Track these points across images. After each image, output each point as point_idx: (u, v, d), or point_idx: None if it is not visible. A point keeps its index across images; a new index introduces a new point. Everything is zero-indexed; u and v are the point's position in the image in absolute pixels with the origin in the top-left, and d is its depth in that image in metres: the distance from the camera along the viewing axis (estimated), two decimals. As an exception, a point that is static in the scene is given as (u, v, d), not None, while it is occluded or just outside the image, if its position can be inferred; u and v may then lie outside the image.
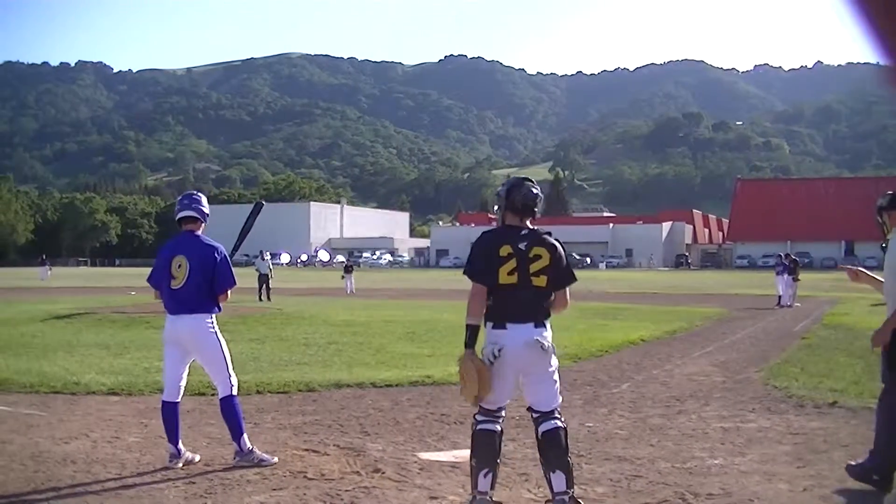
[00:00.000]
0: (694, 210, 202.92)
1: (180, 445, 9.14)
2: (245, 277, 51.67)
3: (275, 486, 8.20)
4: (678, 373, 16.17)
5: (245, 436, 9.06)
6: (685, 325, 26.86)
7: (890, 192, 7.39)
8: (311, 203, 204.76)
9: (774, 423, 11.21)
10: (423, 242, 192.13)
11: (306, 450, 9.72)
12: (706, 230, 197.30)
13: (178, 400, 9.37)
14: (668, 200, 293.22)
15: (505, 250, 7.02)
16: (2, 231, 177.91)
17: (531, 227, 7.31)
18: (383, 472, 8.67)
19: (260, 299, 39.59)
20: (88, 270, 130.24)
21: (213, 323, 9.29)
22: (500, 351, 6.91)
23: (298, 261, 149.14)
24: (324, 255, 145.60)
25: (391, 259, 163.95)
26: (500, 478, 8.20)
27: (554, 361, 7.20)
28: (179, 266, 9.21)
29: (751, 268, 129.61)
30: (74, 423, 11.19)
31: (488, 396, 7.07)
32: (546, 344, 7.04)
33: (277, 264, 68.43)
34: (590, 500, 7.30)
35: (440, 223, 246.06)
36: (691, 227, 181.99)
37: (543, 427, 7.06)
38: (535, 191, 7.31)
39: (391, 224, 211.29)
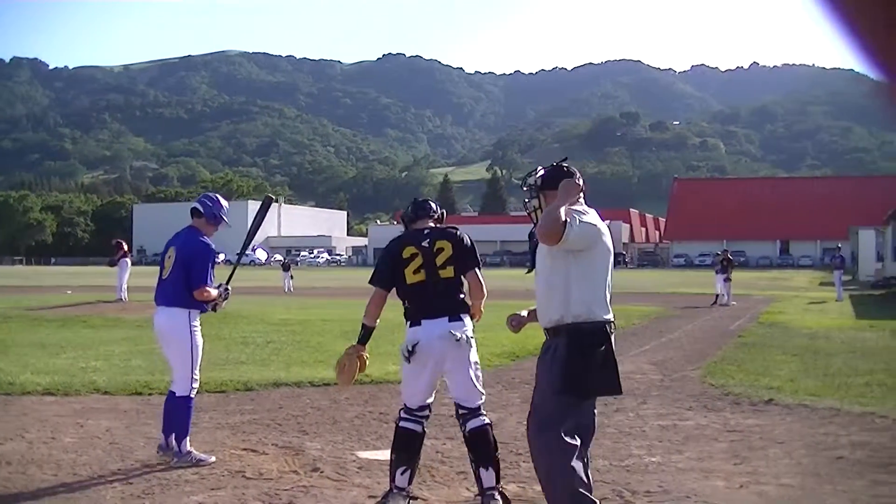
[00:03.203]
0: (631, 209, 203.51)
1: (171, 440, 9.14)
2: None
3: (213, 485, 8.18)
4: (616, 371, 16.23)
5: (188, 439, 9.01)
6: (623, 323, 26.87)
7: (542, 168, 6.78)
8: (249, 201, 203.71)
9: (711, 421, 11.31)
10: (361, 241, 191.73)
11: (244, 449, 9.70)
12: (643, 229, 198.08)
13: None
14: (606, 199, 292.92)
15: (408, 251, 7.39)
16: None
17: (434, 225, 7.73)
18: (322, 471, 8.69)
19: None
20: (23, 269, 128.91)
21: (189, 319, 9.18)
22: (414, 346, 7.19)
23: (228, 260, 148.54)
24: (261, 254, 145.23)
25: (329, 258, 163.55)
26: (440, 476, 8.26)
27: (472, 355, 7.32)
28: (169, 258, 9.28)
29: (688, 266, 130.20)
30: (9, 423, 11.09)
31: (407, 393, 7.47)
32: (459, 336, 7.22)
33: (216, 263, 68.03)
34: (528, 499, 7.33)
35: (378, 222, 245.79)
36: (628, 226, 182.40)
37: (471, 424, 7.28)
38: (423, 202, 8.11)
39: (329, 223, 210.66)
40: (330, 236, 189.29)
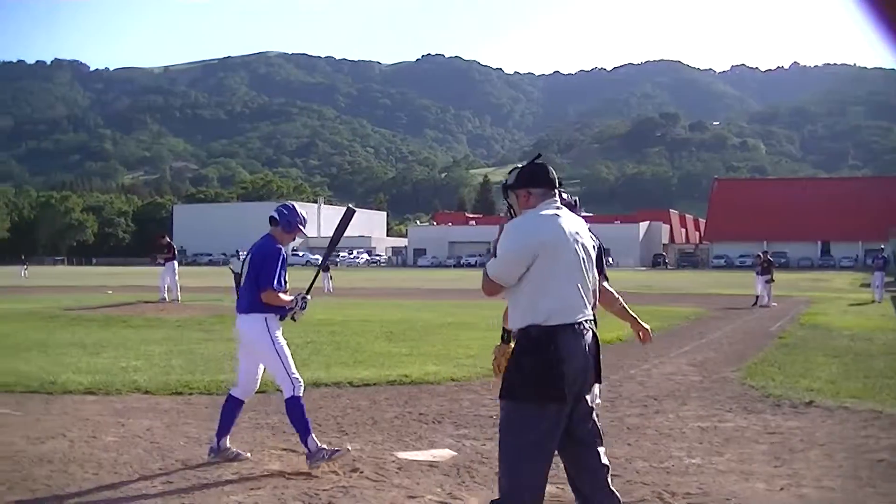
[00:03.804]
0: (671, 210, 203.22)
1: (223, 441, 9.29)
2: (223, 277, 51.47)
3: (253, 485, 8.20)
4: (656, 372, 16.19)
5: (312, 435, 8.99)
6: (662, 324, 26.76)
7: (517, 167, 6.45)
8: (289, 202, 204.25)
9: (751, 423, 11.24)
10: (400, 242, 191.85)
11: (284, 449, 9.72)
12: (683, 230, 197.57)
13: (243, 398, 9.51)
14: (645, 200, 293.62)
15: None
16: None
17: None
18: (361, 472, 8.69)
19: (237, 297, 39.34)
20: (65, 269, 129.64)
21: (266, 324, 9.20)
22: None
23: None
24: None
25: (369, 258, 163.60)
26: (479, 477, 8.27)
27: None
28: (246, 265, 9.40)
29: (728, 267, 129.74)
30: (51, 422, 11.13)
31: None
32: None
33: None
34: (568, 500, 7.29)
35: (417, 222, 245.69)
36: (668, 226, 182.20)
37: None
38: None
39: (369, 223, 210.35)
40: (370, 237, 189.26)
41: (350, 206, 10.98)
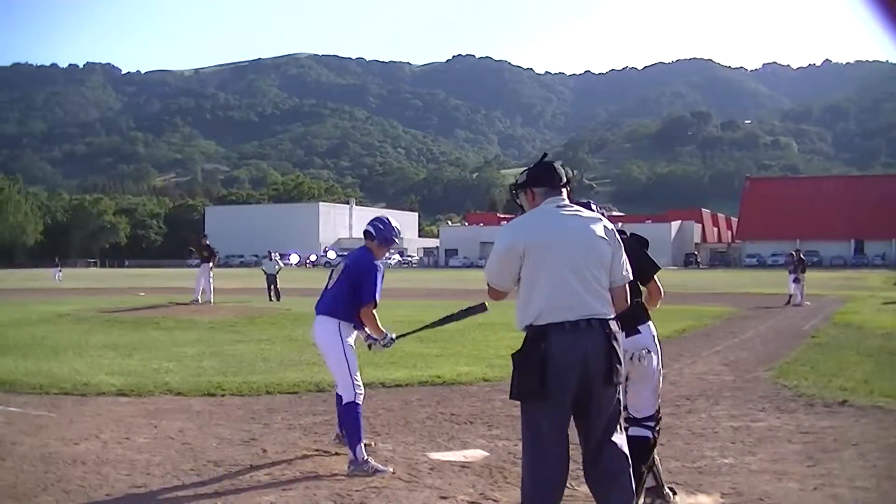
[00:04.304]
0: (703, 209, 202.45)
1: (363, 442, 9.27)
2: (254, 278, 51.56)
3: (285, 486, 8.22)
4: (688, 372, 16.14)
5: (361, 445, 8.95)
6: (694, 323, 26.71)
7: (528, 168, 6.46)
8: (320, 203, 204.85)
9: (784, 422, 11.19)
10: (432, 242, 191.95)
11: (316, 450, 9.74)
12: (715, 229, 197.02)
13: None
14: (677, 199, 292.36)
15: None
16: (12, 232, 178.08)
17: None
18: (393, 472, 8.71)
19: (270, 299, 39.56)
20: (98, 271, 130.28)
21: (339, 328, 9.25)
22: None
23: (307, 261, 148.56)
24: (332, 255, 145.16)
25: (400, 259, 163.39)
26: (512, 477, 8.23)
27: (651, 370, 7.41)
28: (338, 271, 9.52)
29: (760, 266, 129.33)
30: (84, 424, 11.19)
31: None
32: (635, 353, 7.28)
33: (287, 264, 68.77)
34: (581, 497, 7.27)
35: (449, 223, 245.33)
36: (700, 225, 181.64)
37: (631, 432, 7.08)
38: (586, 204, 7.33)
39: (400, 224, 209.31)
40: (401, 238, 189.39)
41: (485, 303, 10.44)
